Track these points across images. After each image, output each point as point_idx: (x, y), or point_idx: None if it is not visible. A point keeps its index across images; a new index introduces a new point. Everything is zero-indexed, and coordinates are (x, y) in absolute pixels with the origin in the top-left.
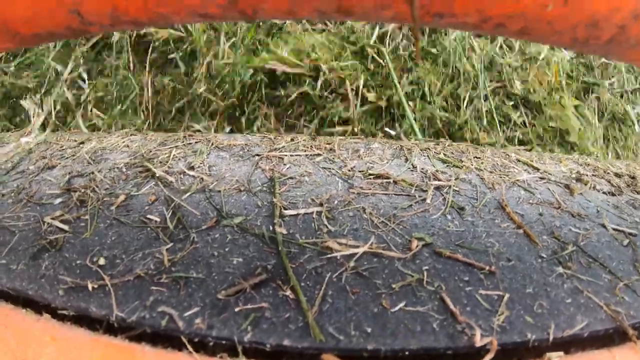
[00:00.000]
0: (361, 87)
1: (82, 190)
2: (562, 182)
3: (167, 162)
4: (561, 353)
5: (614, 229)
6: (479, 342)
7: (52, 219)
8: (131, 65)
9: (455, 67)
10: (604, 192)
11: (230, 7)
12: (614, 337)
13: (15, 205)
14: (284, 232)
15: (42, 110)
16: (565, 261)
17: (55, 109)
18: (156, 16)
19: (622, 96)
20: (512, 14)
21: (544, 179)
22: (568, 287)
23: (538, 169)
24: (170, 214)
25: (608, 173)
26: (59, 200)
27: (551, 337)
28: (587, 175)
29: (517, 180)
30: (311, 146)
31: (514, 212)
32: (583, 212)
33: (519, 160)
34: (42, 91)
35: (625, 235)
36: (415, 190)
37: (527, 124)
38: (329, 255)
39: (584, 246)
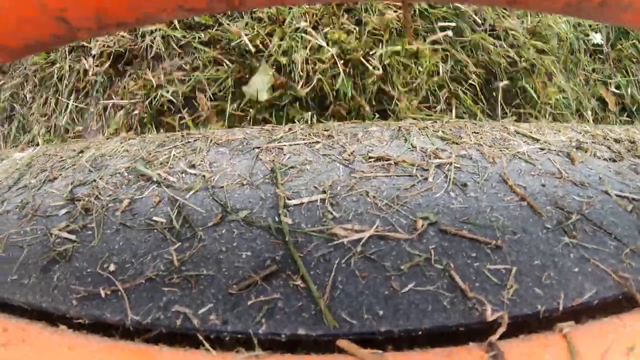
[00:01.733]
0: None
1: (86, 199)
2: (563, 151)
3: (168, 162)
4: (572, 322)
5: (617, 195)
6: (490, 316)
7: (59, 230)
8: None
9: None
10: (604, 159)
11: None
12: (623, 303)
13: (20, 221)
14: (290, 222)
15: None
16: (570, 230)
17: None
18: (142, 15)
19: None
20: None
21: (544, 149)
22: (575, 257)
23: (538, 140)
24: (175, 213)
25: (607, 139)
26: (63, 211)
27: (561, 307)
28: (586, 142)
29: (518, 152)
30: (309, 134)
31: (517, 185)
32: (585, 180)
33: (517, 132)
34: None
35: (628, 201)
36: (417, 170)
37: None
38: (335, 242)
39: (588, 214)
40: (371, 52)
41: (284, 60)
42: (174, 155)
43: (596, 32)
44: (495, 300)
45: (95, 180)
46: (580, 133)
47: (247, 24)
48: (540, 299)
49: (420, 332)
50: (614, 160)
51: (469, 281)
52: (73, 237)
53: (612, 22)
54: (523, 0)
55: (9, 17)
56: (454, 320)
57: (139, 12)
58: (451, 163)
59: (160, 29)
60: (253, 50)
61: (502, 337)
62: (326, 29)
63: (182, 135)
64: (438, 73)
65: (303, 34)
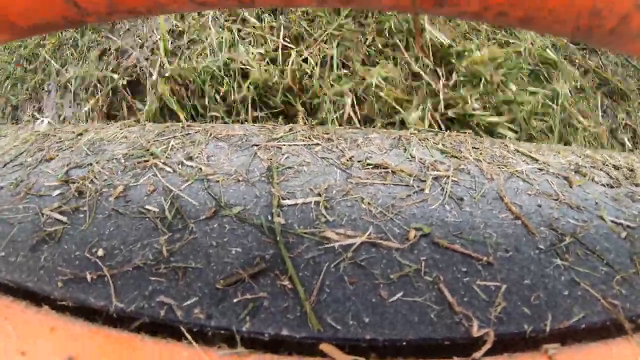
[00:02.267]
0: None
1: (81, 182)
2: (561, 173)
3: (166, 152)
4: (558, 344)
5: (612, 222)
6: (476, 332)
7: (51, 210)
8: None
9: None
10: (602, 184)
11: None
12: (611, 329)
13: (13, 198)
14: (282, 222)
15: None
16: (562, 253)
17: None
18: (153, 4)
19: None
20: (513, 2)
21: (543, 170)
22: (565, 279)
23: (537, 160)
24: (168, 204)
25: (607, 165)
26: (57, 192)
27: (548, 329)
28: (585, 167)
29: (516, 171)
30: (309, 136)
31: (512, 203)
32: (581, 204)
33: (517, 151)
34: None
35: (623, 228)
36: (414, 180)
37: None
38: (327, 245)
39: (581, 238)
40: None
41: None
42: (172, 145)
43: None
44: (483, 316)
45: (91, 164)
46: (580, 157)
47: None
48: (528, 318)
49: (404, 343)
50: (612, 187)
51: (458, 295)
52: (64, 218)
53: (620, 50)
54: (533, 23)
55: None
56: (440, 334)
57: (149, 1)
58: (449, 176)
59: None
60: None
61: (486, 354)
62: None
63: (183, 127)
64: None
65: None
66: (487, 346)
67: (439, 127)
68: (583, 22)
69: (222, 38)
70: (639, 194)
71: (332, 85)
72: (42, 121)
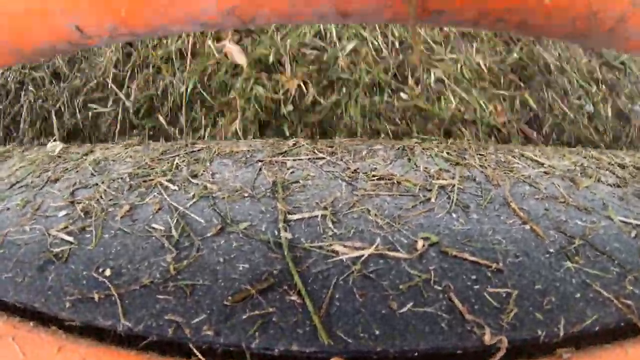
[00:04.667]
0: None
1: (87, 202)
2: (567, 175)
3: (171, 170)
4: (572, 348)
5: (621, 221)
6: (488, 340)
7: (58, 231)
8: None
9: None
10: (609, 184)
11: (229, 14)
12: (625, 330)
13: (20, 219)
14: (289, 236)
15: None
16: (572, 255)
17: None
18: (155, 27)
19: None
20: (510, 8)
21: (549, 173)
22: (577, 282)
23: (542, 164)
24: (174, 222)
25: (612, 165)
26: (63, 212)
27: (561, 333)
28: (591, 167)
29: (522, 175)
30: (314, 150)
31: (520, 208)
32: (589, 205)
33: (522, 156)
34: None
35: (632, 227)
36: (420, 190)
37: None
38: (335, 259)
39: (591, 239)
40: None
41: None
42: (176, 163)
43: None
44: (495, 324)
45: (97, 184)
46: (585, 158)
47: None
48: (541, 323)
49: (416, 354)
50: (619, 186)
51: (468, 304)
52: (71, 238)
53: (619, 50)
54: (531, 28)
55: (25, 23)
56: (451, 343)
57: (152, 24)
58: (454, 184)
59: None
60: None
61: None
62: None
63: (186, 145)
64: None
65: None
66: (501, 353)
67: None
68: (580, 25)
69: None
70: None
71: None
72: (55, 143)
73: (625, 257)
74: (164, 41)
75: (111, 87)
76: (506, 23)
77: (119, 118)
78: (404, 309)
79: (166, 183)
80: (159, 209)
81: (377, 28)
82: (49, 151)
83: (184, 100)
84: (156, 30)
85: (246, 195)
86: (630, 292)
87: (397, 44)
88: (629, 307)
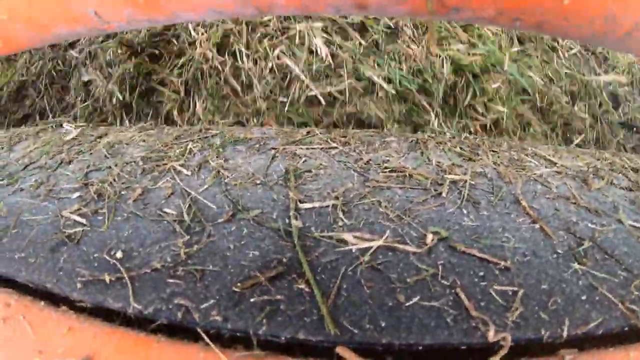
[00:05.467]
0: None
1: (100, 185)
2: (579, 176)
3: (184, 155)
4: (575, 350)
5: (631, 225)
6: (492, 337)
7: (70, 212)
8: None
9: None
10: (621, 187)
11: (246, 2)
12: (629, 335)
13: (34, 200)
14: (300, 225)
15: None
16: (580, 257)
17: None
18: (173, 14)
19: None
20: (528, 8)
21: (561, 173)
22: (583, 284)
23: (555, 163)
24: (186, 207)
25: (625, 168)
26: (76, 194)
27: (565, 334)
28: (604, 170)
29: (534, 174)
30: (327, 139)
31: (530, 207)
32: (600, 208)
33: (535, 154)
34: None
35: None
36: (431, 184)
37: None
38: (344, 249)
39: (600, 242)
40: None
41: None
42: (190, 148)
43: None
44: (499, 321)
45: (110, 167)
46: (599, 160)
47: None
48: (545, 323)
49: (421, 347)
50: (631, 190)
51: (475, 300)
52: (83, 220)
53: (636, 53)
54: (548, 27)
55: (44, 8)
56: (456, 338)
57: (169, 11)
58: (466, 180)
59: None
60: None
61: (503, 359)
62: None
63: (200, 130)
64: None
65: None
66: (504, 351)
67: None
68: (597, 27)
69: None
70: None
71: None
72: (72, 129)
73: (632, 262)
74: None
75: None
76: (523, 22)
77: None
78: (411, 302)
79: (179, 168)
80: (172, 194)
81: None
82: (63, 133)
83: None
84: (173, 18)
85: (258, 182)
86: (636, 297)
87: None
88: (633, 312)
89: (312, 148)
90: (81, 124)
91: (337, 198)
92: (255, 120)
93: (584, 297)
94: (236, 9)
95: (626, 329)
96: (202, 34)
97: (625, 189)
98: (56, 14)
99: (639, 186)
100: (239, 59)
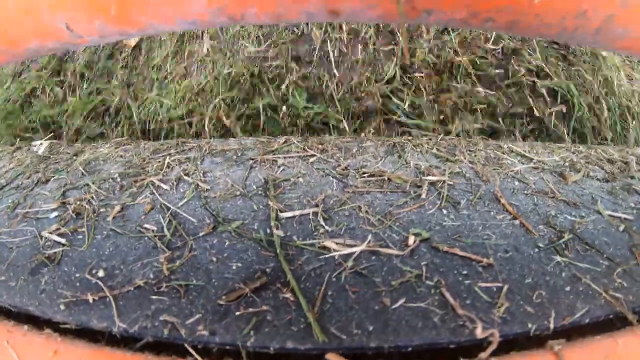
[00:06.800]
0: None
1: (78, 203)
2: (556, 170)
3: (162, 170)
4: (563, 340)
5: (610, 215)
6: (480, 334)
7: (49, 233)
8: None
9: None
10: (597, 179)
11: (219, 12)
12: (615, 322)
13: (11, 221)
14: (282, 234)
15: None
16: (562, 249)
17: None
18: (145, 26)
19: None
20: (500, 8)
21: (538, 168)
22: (566, 275)
23: (531, 159)
24: (166, 222)
25: (601, 160)
26: (55, 214)
27: (552, 326)
28: (580, 162)
29: (511, 171)
30: (304, 147)
31: (509, 204)
32: (578, 200)
33: (511, 151)
34: None
35: (620, 221)
36: (410, 186)
37: None
38: (327, 256)
39: (580, 233)
40: None
41: None
42: (168, 163)
43: None
44: (486, 318)
45: (88, 185)
46: (574, 153)
47: None
48: (532, 317)
49: (409, 349)
50: (607, 181)
51: (460, 298)
52: (63, 240)
53: (607, 49)
54: (520, 27)
55: (14, 21)
56: (444, 338)
57: (141, 23)
58: (444, 180)
59: None
60: None
61: (492, 354)
62: None
63: (177, 144)
64: None
65: None
66: (493, 347)
67: None
68: (569, 24)
69: None
70: (634, 186)
71: None
72: (41, 144)
73: (613, 251)
74: None
75: None
76: (496, 23)
77: None
78: (397, 305)
79: (158, 182)
80: (151, 209)
81: None
82: (35, 151)
83: None
84: (146, 29)
85: (238, 193)
86: (619, 284)
87: None
88: (617, 299)
89: (290, 157)
90: (51, 139)
91: (317, 205)
92: None
93: (567, 288)
94: (208, 19)
95: (611, 316)
96: None
97: (601, 181)
98: (27, 28)
99: (615, 177)
100: None
